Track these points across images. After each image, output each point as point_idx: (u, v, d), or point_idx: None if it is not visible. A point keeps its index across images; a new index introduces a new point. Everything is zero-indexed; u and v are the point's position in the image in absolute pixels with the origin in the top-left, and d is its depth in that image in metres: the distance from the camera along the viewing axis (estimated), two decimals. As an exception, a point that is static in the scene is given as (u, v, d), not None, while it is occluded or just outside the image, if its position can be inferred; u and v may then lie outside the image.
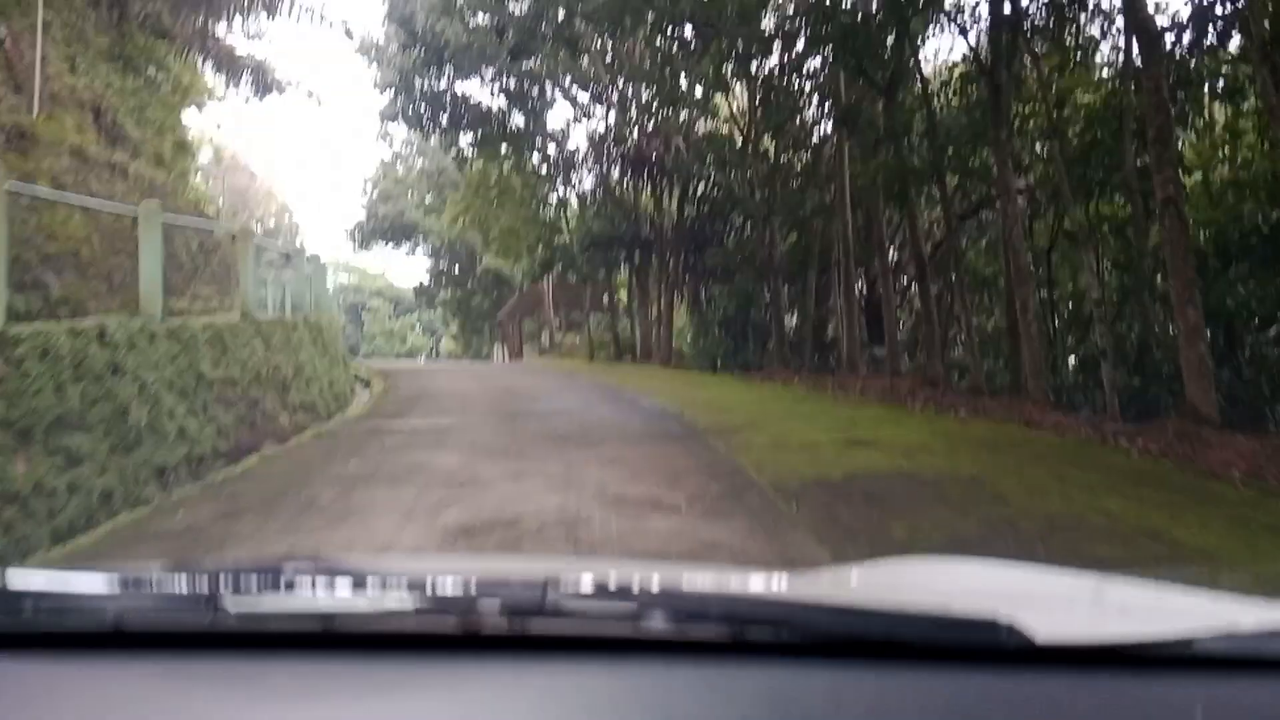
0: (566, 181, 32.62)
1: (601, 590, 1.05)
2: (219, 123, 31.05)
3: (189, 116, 29.15)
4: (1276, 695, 0.94)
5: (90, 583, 1.11)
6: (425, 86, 28.94)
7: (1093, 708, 0.91)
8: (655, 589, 1.07)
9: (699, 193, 25.82)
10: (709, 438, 9.22)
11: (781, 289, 20.10)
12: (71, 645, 1.01)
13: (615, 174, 30.90)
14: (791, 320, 25.92)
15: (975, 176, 14.49)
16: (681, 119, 27.22)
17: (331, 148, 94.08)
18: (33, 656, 1.00)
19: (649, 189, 28.10)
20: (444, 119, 30.65)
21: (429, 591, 1.02)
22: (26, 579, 1.11)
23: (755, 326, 25.26)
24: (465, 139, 31.97)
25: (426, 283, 47.12)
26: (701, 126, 25.76)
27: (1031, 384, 11.10)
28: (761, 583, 1.29)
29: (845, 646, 0.96)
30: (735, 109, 21.36)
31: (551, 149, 31.48)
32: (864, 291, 24.08)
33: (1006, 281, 13.48)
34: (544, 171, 32.67)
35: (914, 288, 23.55)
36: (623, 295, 33.97)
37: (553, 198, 33.61)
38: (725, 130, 23.84)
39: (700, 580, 1.25)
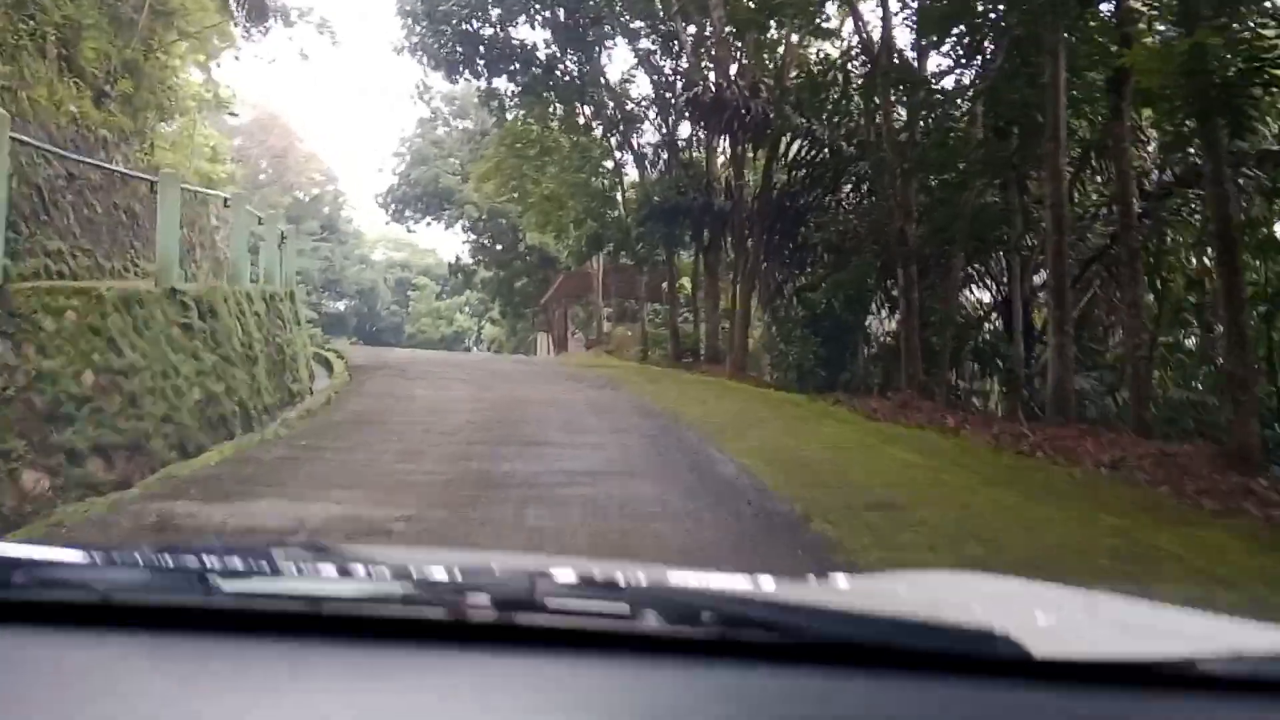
0: (624, 142, 26.77)
1: (591, 585, 1.02)
2: (216, 64, 25.98)
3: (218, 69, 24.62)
4: None
5: (79, 557, 1.10)
6: (453, 16, 23.29)
7: None
8: (645, 586, 1.04)
9: (794, 152, 19.78)
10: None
11: (916, 279, 14.04)
12: (58, 618, 0.99)
13: (684, 130, 25.03)
14: (894, 323, 19.98)
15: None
16: (775, 52, 21.25)
17: (368, 105, 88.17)
18: (19, 628, 0.99)
19: (727, 148, 22.16)
20: (477, 60, 25.01)
21: (418, 579, 1.00)
22: (16, 550, 1.13)
23: (863, 332, 19.23)
24: (504, 85, 26.37)
25: (464, 259, 41.48)
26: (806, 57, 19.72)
27: None
28: (753, 584, 1.24)
29: (837, 651, 0.93)
30: (860, 23, 15.23)
31: (607, 100, 25.61)
32: (1001, 293, 17.87)
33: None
34: (597, 130, 26.85)
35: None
36: (685, 283, 28.05)
37: (607, 163, 27.78)
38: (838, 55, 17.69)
39: (691, 579, 1.20)
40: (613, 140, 26.89)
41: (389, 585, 0.99)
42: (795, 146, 19.82)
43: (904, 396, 12.52)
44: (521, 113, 26.71)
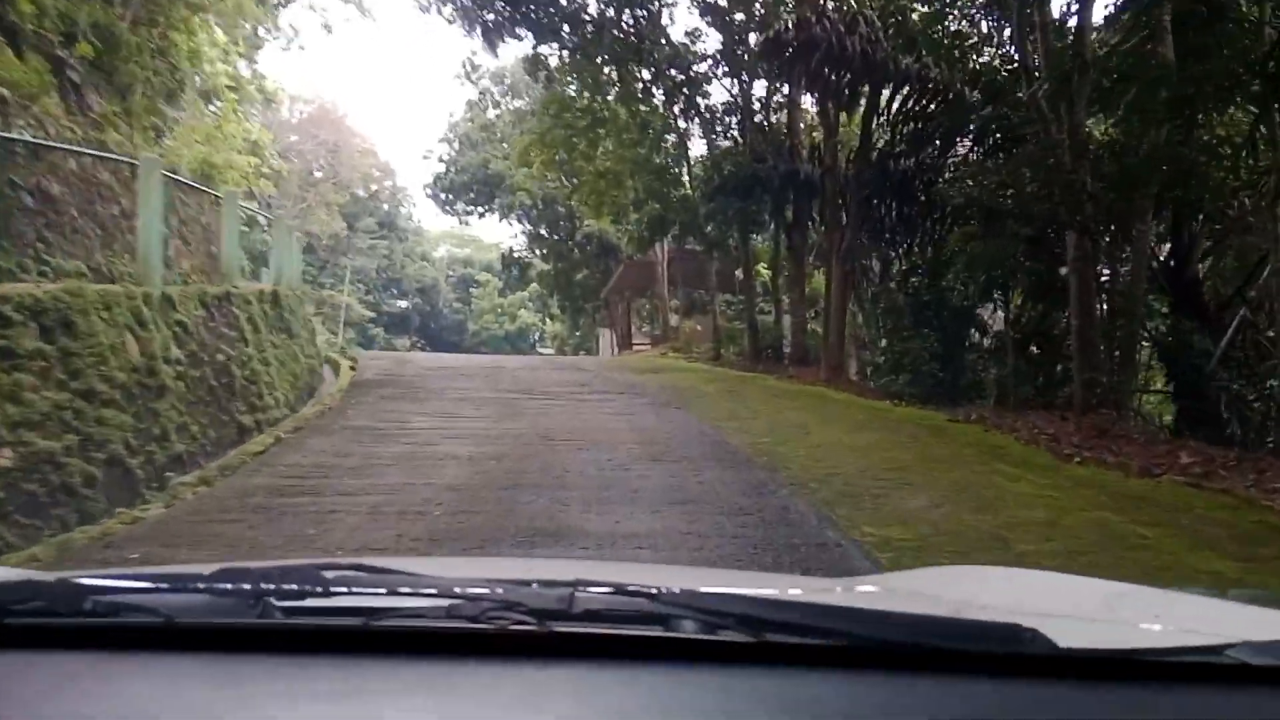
0: (690, 109, 23.08)
1: (626, 594, 1.05)
2: (253, 55, 23.03)
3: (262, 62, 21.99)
4: None
5: (143, 581, 1.14)
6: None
7: (1118, 718, 0.90)
8: (679, 592, 1.06)
9: (900, 104, 15.91)
10: None
11: (1090, 249, 10.13)
12: (123, 642, 1.02)
13: (760, 90, 21.26)
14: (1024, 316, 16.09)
15: None
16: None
17: (417, 91, 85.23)
18: (88, 653, 1.01)
19: (814, 103, 18.39)
20: (519, 19, 21.59)
21: (462, 595, 1.03)
22: (81, 577, 1.15)
23: (979, 323, 15.44)
24: (551, 51, 22.92)
25: (520, 251, 38.20)
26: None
27: None
28: (785, 588, 1.31)
29: (867, 654, 0.96)
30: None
31: (668, 61, 21.95)
32: (1165, 258, 13.67)
33: None
34: (658, 97, 23.22)
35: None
36: (762, 270, 24.31)
37: (670, 136, 24.12)
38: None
39: (724, 584, 1.25)
40: (676, 108, 23.28)
41: (435, 602, 1.02)
42: (901, 96, 15.95)
43: (1099, 418, 8.68)
44: (573, 80, 23.25)
